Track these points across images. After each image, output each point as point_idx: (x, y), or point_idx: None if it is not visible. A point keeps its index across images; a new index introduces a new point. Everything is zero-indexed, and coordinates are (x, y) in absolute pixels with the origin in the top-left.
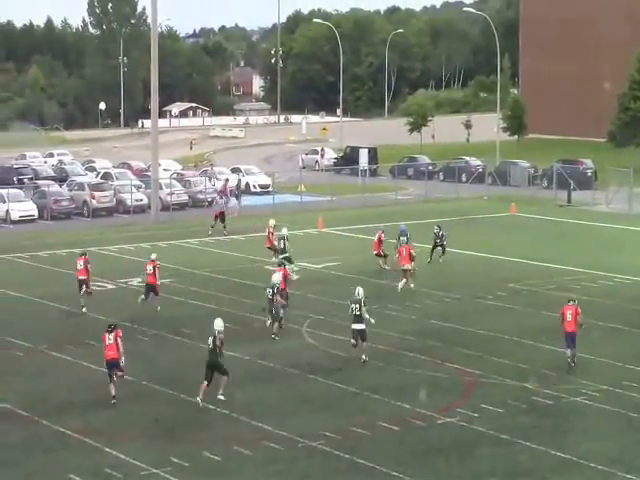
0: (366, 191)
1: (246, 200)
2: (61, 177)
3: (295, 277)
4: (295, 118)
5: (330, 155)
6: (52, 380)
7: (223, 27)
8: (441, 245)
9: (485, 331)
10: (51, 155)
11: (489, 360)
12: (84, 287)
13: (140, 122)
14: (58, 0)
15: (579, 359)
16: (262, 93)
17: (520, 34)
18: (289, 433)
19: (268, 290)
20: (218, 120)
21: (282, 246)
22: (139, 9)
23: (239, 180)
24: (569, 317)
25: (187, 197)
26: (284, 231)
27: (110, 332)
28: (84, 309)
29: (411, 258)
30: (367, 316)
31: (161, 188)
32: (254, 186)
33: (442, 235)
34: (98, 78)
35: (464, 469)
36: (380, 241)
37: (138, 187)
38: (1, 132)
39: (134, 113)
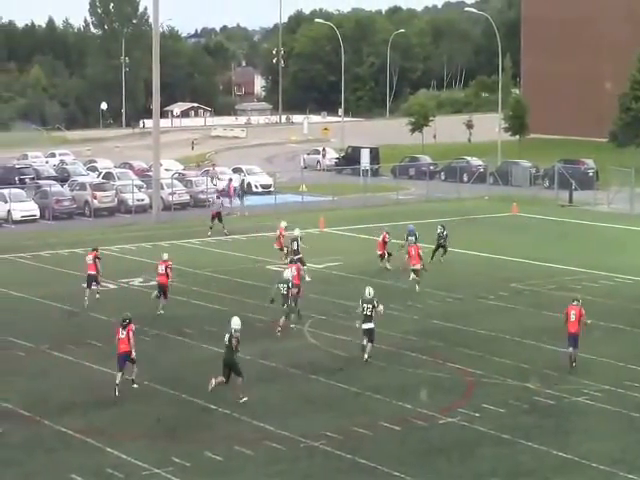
0: (367, 191)
1: (248, 200)
2: (63, 177)
3: (308, 278)
4: (297, 118)
5: (331, 155)
6: (54, 380)
7: (225, 27)
8: (443, 245)
9: (487, 331)
10: (53, 155)
11: (491, 360)
12: (93, 283)
13: (141, 122)
14: (60, 0)
15: (581, 359)
16: (264, 93)
17: (521, 34)
18: (291, 433)
19: (282, 286)
20: (220, 120)
21: (295, 247)
22: (141, 9)
23: (243, 180)
24: (572, 317)
25: (189, 197)
26: (297, 232)
27: (124, 327)
28: (86, 304)
29: (420, 258)
30: (380, 307)
31: (162, 188)
32: (256, 186)
33: (446, 235)
34: (100, 78)
35: (466, 469)
36: (384, 242)
37: (140, 187)
38: (3, 132)
39: (136, 113)
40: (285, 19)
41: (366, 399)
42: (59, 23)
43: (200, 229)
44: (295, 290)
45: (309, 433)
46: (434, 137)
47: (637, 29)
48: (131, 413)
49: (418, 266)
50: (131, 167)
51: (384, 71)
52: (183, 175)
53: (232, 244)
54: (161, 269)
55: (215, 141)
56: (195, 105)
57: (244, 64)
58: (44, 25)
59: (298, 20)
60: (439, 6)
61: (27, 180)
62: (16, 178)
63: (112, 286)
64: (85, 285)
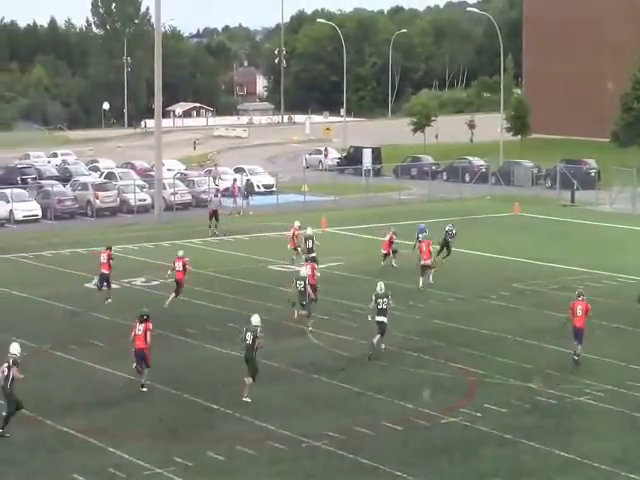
0: (369, 191)
1: (251, 200)
2: (65, 177)
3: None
4: (299, 118)
5: (333, 155)
6: (56, 380)
7: (227, 27)
8: (448, 243)
9: (489, 331)
10: (55, 155)
11: (493, 360)
12: (105, 282)
13: (143, 122)
14: (62, 0)
15: (583, 359)
16: (266, 93)
17: (523, 34)
18: (293, 433)
19: (299, 283)
20: (222, 120)
21: (310, 245)
22: (143, 9)
23: (248, 180)
24: (579, 312)
25: (190, 197)
26: (309, 231)
27: (141, 322)
28: (109, 300)
29: (430, 254)
30: (389, 309)
31: (165, 188)
32: (258, 186)
33: (454, 234)
34: (102, 78)
35: (468, 469)
36: (391, 242)
37: (142, 187)
38: (5, 132)
39: (138, 113)
40: (287, 19)
41: (368, 399)
42: (61, 23)
43: (202, 229)
44: (310, 289)
45: (311, 433)
46: (436, 137)
47: (639, 29)
48: (133, 413)
49: (428, 262)
50: (133, 167)
51: (386, 71)
52: (185, 175)
53: (234, 244)
54: (178, 266)
55: (217, 141)
56: (197, 105)
57: (246, 64)
58: (46, 25)
59: (300, 20)
60: (441, 6)
61: (29, 180)
62: (18, 178)
63: (114, 286)
64: (98, 284)
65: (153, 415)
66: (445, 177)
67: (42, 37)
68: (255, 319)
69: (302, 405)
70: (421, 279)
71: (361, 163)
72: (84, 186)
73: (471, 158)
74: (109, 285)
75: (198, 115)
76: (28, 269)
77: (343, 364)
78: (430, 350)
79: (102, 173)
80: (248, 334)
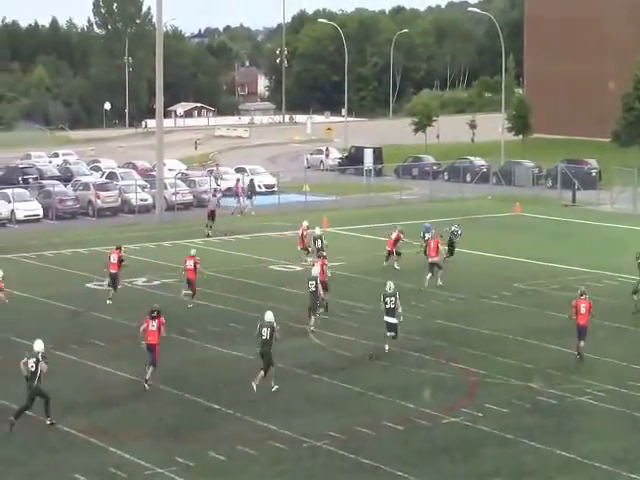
0: (371, 191)
1: (255, 200)
2: (66, 177)
3: (329, 274)
4: (300, 118)
5: (335, 155)
6: (57, 380)
7: (228, 27)
8: (454, 243)
9: (490, 331)
10: (56, 155)
11: (494, 360)
12: (109, 281)
13: (144, 122)
14: (63, 0)
15: (584, 358)
16: (267, 93)
17: (525, 34)
18: (294, 433)
19: (310, 282)
20: (223, 120)
21: (319, 245)
22: (144, 9)
23: (252, 179)
24: (582, 310)
25: (192, 197)
26: (318, 231)
27: (153, 318)
28: (109, 301)
29: (438, 252)
30: (400, 310)
31: (166, 188)
32: (259, 186)
33: (460, 234)
34: (103, 78)
35: (469, 469)
36: (397, 240)
37: (143, 187)
38: (6, 132)
39: (139, 113)
40: (288, 19)
41: (369, 399)
42: (62, 23)
43: (203, 229)
44: (320, 288)
45: (312, 433)
46: (437, 137)
47: None
48: (134, 413)
49: (436, 259)
50: (134, 167)
51: (387, 71)
52: (186, 175)
53: (235, 244)
54: (189, 264)
55: (218, 141)
56: (198, 105)
57: (247, 64)
58: (48, 25)
59: (301, 20)
60: (442, 6)
61: (30, 180)
62: (19, 178)
63: (106, 286)
64: (109, 283)
65: (154, 415)
66: (446, 177)
67: (44, 37)
68: (269, 316)
69: (303, 405)
70: (428, 275)
71: (362, 163)
72: (85, 186)
73: (472, 158)
74: (115, 286)
75: (199, 115)
76: (29, 269)
77: (344, 364)
78: (431, 350)
79: (103, 173)
80: (264, 330)
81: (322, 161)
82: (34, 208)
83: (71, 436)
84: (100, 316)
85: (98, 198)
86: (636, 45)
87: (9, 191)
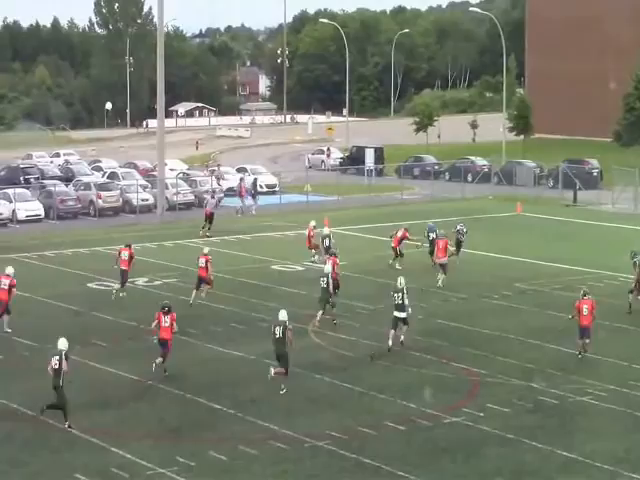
0: (372, 191)
1: (250, 200)
2: (67, 177)
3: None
4: (301, 118)
5: (336, 155)
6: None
7: (229, 27)
8: (461, 242)
9: (491, 330)
10: (57, 155)
11: (495, 360)
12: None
13: (145, 122)
14: (64, 0)
15: (586, 358)
16: (268, 93)
17: (526, 34)
18: (295, 433)
19: (322, 279)
20: (224, 120)
21: (327, 244)
22: (145, 9)
23: (256, 179)
24: (585, 311)
25: (193, 197)
26: (326, 230)
27: (166, 314)
28: (122, 294)
29: (447, 252)
30: (407, 303)
31: (167, 188)
32: (261, 186)
33: (466, 232)
34: (104, 78)
35: (470, 469)
36: (402, 239)
37: (144, 187)
38: (8, 132)
39: (140, 113)
40: (290, 19)
41: (370, 399)
42: (64, 23)
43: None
44: (331, 286)
45: (314, 433)
46: (438, 137)
47: None
48: (136, 413)
49: (445, 260)
50: (136, 167)
51: (388, 71)
52: (188, 175)
53: (237, 244)
54: (201, 262)
55: (220, 141)
56: (200, 105)
57: (249, 64)
58: (49, 25)
59: (303, 20)
60: (443, 6)
61: (32, 180)
62: (21, 178)
63: (117, 285)
64: (120, 283)
65: (156, 415)
66: (447, 177)
67: (45, 37)
68: (282, 314)
69: (304, 405)
70: (442, 275)
71: (364, 163)
72: (87, 186)
73: (473, 158)
74: (123, 283)
75: (201, 115)
76: (31, 269)
77: (346, 364)
78: (432, 350)
79: (105, 173)
80: (277, 329)
81: (323, 161)
82: (35, 208)
83: (73, 436)
84: (101, 316)
85: (99, 198)
86: (637, 45)
87: (10, 191)
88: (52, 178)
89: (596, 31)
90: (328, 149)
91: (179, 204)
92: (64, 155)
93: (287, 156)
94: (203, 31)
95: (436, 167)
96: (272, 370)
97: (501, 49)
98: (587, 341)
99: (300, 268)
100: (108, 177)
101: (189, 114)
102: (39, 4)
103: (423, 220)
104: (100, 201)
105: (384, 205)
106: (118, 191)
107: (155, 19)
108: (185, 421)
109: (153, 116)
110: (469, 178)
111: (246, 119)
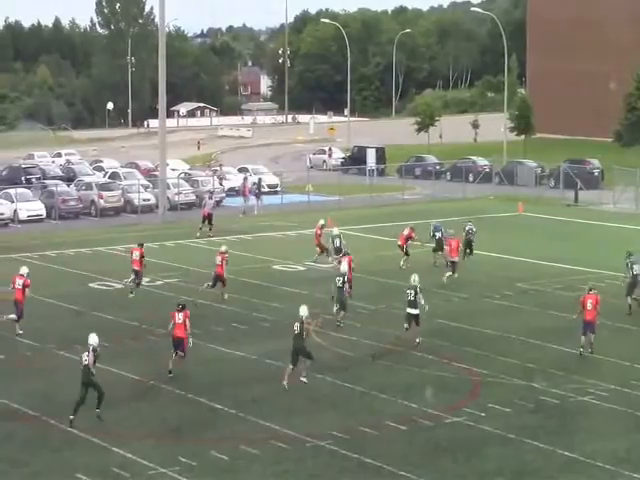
0: (373, 191)
1: (253, 200)
2: (69, 177)
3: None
4: (303, 118)
5: (338, 155)
6: (60, 380)
7: (231, 27)
8: (471, 241)
9: (492, 330)
10: (59, 155)
11: (496, 359)
12: (134, 277)
13: (147, 122)
14: (66, 0)
15: (587, 358)
16: (270, 93)
17: (527, 34)
18: (296, 432)
19: (338, 279)
20: (226, 120)
21: (337, 244)
22: (147, 9)
23: (260, 179)
24: (589, 306)
25: (195, 197)
26: (336, 230)
27: (180, 311)
28: (131, 294)
29: (459, 252)
30: (422, 302)
31: (169, 188)
32: (262, 186)
33: (475, 231)
34: (106, 78)
35: (471, 468)
36: (408, 237)
37: (146, 187)
38: (9, 132)
39: (142, 113)
40: (291, 19)
41: (372, 399)
42: (65, 23)
43: (205, 229)
44: (347, 285)
45: (315, 432)
46: (440, 137)
47: None
48: (137, 412)
49: (457, 259)
50: (137, 167)
51: (390, 71)
52: (189, 175)
53: (238, 244)
54: (218, 260)
55: (221, 141)
56: (201, 105)
57: (250, 64)
58: (50, 25)
59: (304, 20)
60: (445, 6)
61: (33, 180)
62: (22, 178)
63: (118, 285)
64: (133, 280)
65: (157, 415)
66: (449, 177)
67: (46, 37)
68: (302, 310)
69: (306, 405)
70: (449, 273)
71: (365, 163)
72: (88, 186)
73: (475, 158)
74: (136, 282)
75: (202, 115)
76: (32, 269)
77: (347, 364)
78: (434, 350)
79: (106, 173)
80: (296, 324)
81: (325, 161)
82: (37, 208)
83: (74, 436)
84: (103, 316)
85: (101, 198)
86: (638, 45)
87: (12, 191)
88: (54, 178)
89: (597, 31)
90: (329, 149)
91: (180, 204)
92: (65, 155)
93: (288, 156)
94: (205, 31)
95: (437, 167)
96: (303, 378)
97: (502, 49)
98: (592, 336)
99: (301, 268)
100: (109, 177)
101: (190, 114)
102: (41, 4)
103: (425, 220)
104: (101, 201)
105: (385, 205)
106: (119, 191)
107: (157, 19)
108: (186, 421)
109: (154, 116)
110: (470, 178)
111: (247, 119)
